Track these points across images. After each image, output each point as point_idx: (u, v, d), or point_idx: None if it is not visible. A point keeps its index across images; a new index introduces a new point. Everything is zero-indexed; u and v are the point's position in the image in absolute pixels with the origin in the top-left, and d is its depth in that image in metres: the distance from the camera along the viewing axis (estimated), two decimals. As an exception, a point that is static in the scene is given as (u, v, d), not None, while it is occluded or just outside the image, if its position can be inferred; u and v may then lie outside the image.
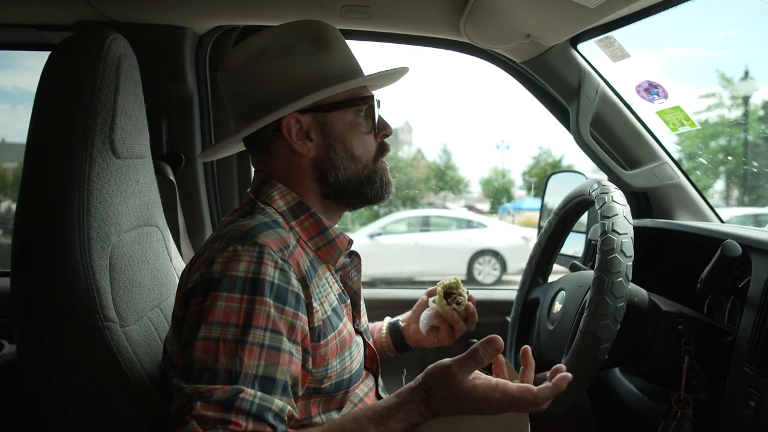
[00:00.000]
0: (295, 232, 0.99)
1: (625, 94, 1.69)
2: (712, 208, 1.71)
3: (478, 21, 1.51)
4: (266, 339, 0.83)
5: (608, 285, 1.00)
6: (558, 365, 0.87)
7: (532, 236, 5.59)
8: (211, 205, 1.87)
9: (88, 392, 0.95)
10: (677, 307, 1.14)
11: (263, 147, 1.03)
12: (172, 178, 1.72)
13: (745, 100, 9.76)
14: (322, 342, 0.93)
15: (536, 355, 1.40)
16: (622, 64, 1.55)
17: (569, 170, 2.24)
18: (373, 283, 5.96)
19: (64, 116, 1.00)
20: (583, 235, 1.73)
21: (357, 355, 1.03)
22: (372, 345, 1.16)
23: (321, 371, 0.93)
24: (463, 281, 1.25)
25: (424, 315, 1.26)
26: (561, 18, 1.38)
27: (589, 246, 1.72)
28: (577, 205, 1.37)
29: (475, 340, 0.86)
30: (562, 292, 1.34)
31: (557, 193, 1.78)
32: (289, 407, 0.83)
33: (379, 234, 8.74)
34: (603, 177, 1.68)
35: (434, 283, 1.27)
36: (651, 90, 1.59)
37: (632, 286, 1.11)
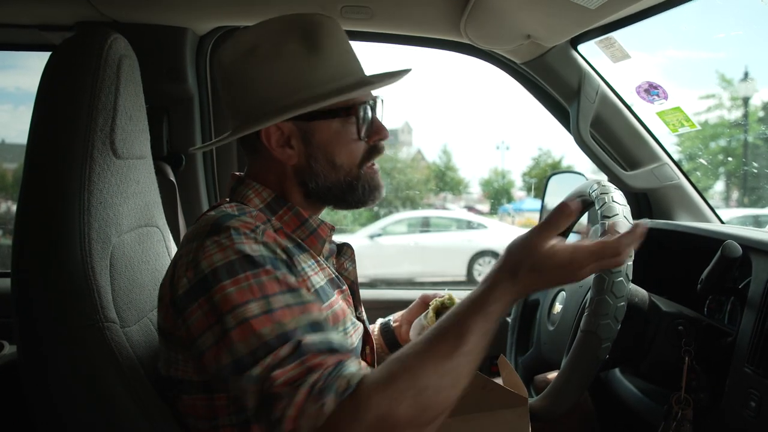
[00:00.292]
0: (274, 224, 0.97)
1: (625, 94, 1.69)
2: (712, 209, 1.71)
3: (478, 22, 1.51)
4: (289, 299, 0.83)
5: (609, 284, 1.00)
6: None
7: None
8: (211, 206, 1.87)
9: (88, 393, 0.95)
10: (677, 307, 1.14)
11: (249, 147, 1.04)
12: (172, 178, 1.72)
13: (745, 101, 9.77)
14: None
15: (536, 355, 1.41)
16: (623, 65, 1.55)
17: (569, 171, 2.24)
18: (373, 284, 5.96)
19: (64, 116, 1.00)
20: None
21: (354, 333, 1.02)
22: (372, 335, 1.15)
23: None
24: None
25: (416, 323, 1.23)
26: (561, 19, 1.38)
27: (589, 246, 1.71)
28: (578, 205, 1.36)
29: None
30: (563, 293, 1.34)
31: (557, 194, 1.78)
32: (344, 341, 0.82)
33: (379, 235, 8.74)
34: (603, 178, 1.68)
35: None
36: (651, 91, 1.59)
37: (632, 286, 1.11)
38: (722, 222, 1.73)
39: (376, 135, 1.03)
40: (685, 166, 1.74)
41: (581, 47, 1.64)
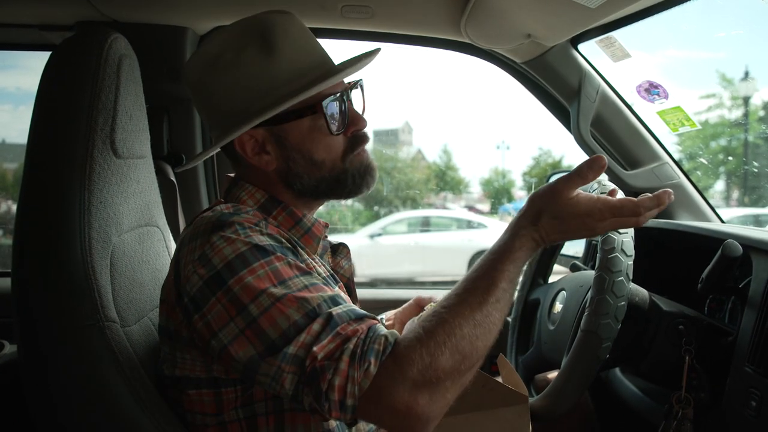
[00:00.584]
0: (269, 223, 0.96)
1: (625, 94, 1.69)
2: (713, 208, 1.70)
3: (478, 21, 1.51)
4: (305, 281, 0.84)
5: (609, 284, 1.00)
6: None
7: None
8: (205, 208, 1.87)
9: (88, 392, 0.95)
10: (678, 307, 1.14)
11: (231, 157, 1.04)
12: (172, 178, 1.72)
13: (746, 100, 9.75)
14: None
15: (537, 355, 1.41)
16: (623, 64, 1.55)
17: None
18: (373, 284, 5.96)
19: (64, 116, 1.00)
20: (584, 236, 1.72)
21: None
22: None
23: None
24: None
25: (409, 324, 1.23)
26: (562, 18, 1.38)
27: (590, 246, 1.72)
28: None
29: None
30: (563, 292, 1.34)
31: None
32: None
33: (380, 234, 8.74)
34: (603, 177, 1.68)
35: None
36: (651, 90, 1.59)
37: (633, 285, 1.11)
38: (723, 221, 1.72)
39: (352, 126, 1.00)
40: (686, 165, 1.73)
41: (581, 46, 1.64)
